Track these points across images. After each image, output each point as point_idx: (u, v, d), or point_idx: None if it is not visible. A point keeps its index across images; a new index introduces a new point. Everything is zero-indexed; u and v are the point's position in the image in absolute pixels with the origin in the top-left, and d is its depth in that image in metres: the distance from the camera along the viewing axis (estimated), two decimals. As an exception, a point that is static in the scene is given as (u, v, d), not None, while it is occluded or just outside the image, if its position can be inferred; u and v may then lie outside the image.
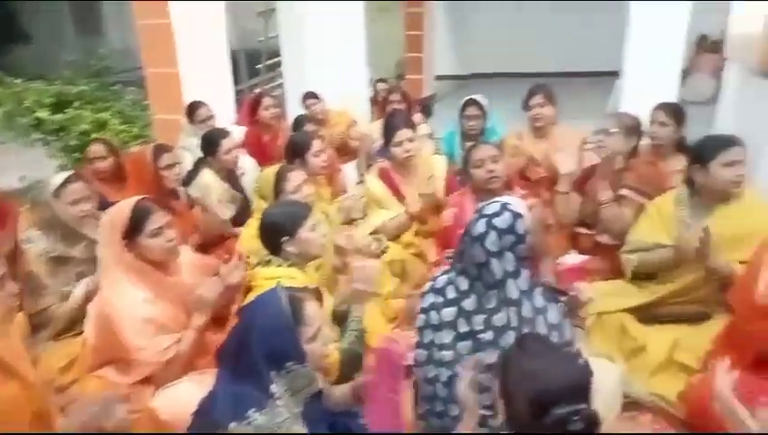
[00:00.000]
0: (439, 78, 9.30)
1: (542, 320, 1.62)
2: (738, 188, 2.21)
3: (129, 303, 1.91)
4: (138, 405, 1.83)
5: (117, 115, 5.23)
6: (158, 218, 2.00)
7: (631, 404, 2.15)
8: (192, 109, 3.80)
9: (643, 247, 2.38)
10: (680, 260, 2.24)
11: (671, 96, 4.14)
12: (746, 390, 1.76)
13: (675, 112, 2.96)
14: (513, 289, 1.62)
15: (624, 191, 2.68)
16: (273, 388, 1.46)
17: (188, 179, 3.19)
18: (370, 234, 3.08)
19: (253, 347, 1.46)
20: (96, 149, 3.06)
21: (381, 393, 1.64)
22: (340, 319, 2.22)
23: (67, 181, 2.36)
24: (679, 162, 2.81)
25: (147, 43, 3.97)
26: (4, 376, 1.49)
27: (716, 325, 2.14)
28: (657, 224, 2.38)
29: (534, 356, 1.24)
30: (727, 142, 2.22)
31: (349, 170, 4.28)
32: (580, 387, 1.18)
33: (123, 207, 2.01)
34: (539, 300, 1.65)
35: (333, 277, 2.65)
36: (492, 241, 1.62)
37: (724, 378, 1.23)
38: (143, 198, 2.07)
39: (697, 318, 2.27)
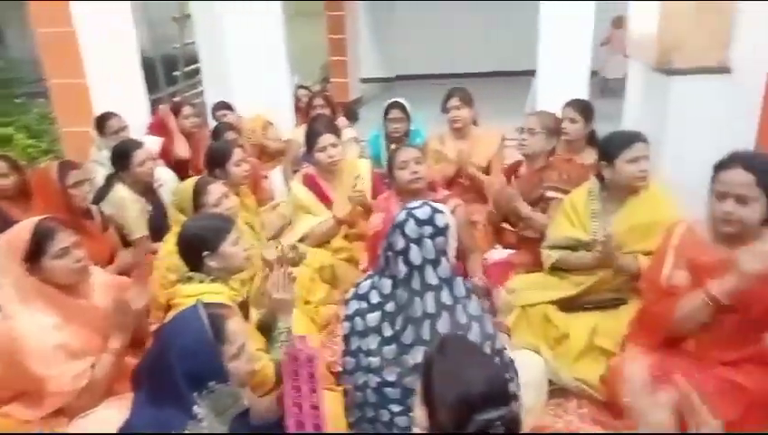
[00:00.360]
0: (365, 81, 9.35)
1: (461, 309, 1.64)
2: (643, 183, 2.32)
3: (36, 330, 1.78)
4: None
5: (23, 129, 4.91)
6: (63, 238, 1.88)
7: (558, 391, 2.23)
8: (102, 120, 3.60)
9: (563, 245, 2.46)
10: (597, 266, 2.35)
11: (583, 93, 4.35)
12: (659, 369, 1.88)
13: (583, 109, 3.10)
14: (431, 275, 1.64)
15: (548, 193, 2.78)
16: (196, 409, 1.40)
17: (101, 196, 3.01)
18: (299, 241, 3.04)
19: (172, 368, 1.39)
20: None
21: (297, 396, 1.61)
22: (268, 331, 2.18)
23: None
24: (590, 156, 2.95)
25: (49, 52, 3.74)
26: None
27: (631, 310, 2.25)
28: (573, 218, 2.47)
29: (455, 360, 1.24)
30: (630, 139, 2.33)
31: (275, 176, 4.21)
32: (500, 392, 1.20)
33: (23, 229, 1.87)
34: (460, 289, 1.67)
35: (260, 291, 2.60)
36: (411, 228, 1.65)
37: (635, 367, 1.29)
38: (46, 218, 1.93)
39: (614, 304, 2.39)
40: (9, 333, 1.79)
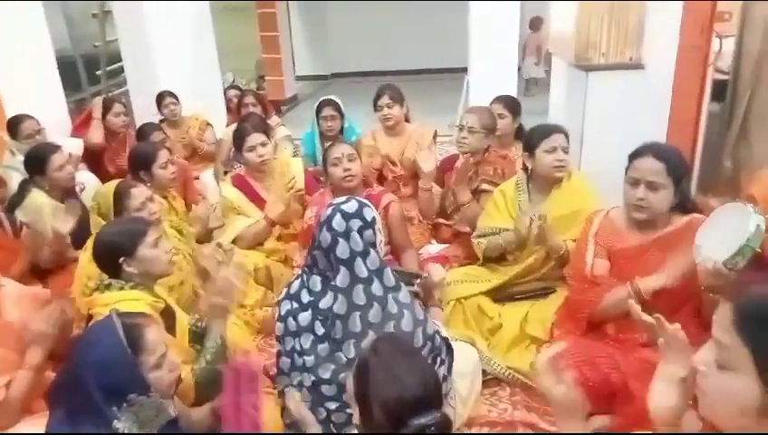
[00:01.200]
0: (300, 78, 9.24)
1: (392, 298, 1.65)
2: (561, 173, 2.42)
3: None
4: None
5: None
6: None
7: (492, 380, 2.29)
8: (15, 123, 3.37)
9: (490, 233, 2.54)
10: (520, 243, 2.42)
11: (512, 90, 4.47)
12: (583, 354, 1.96)
13: (511, 104, 3.20)
14: (361, 268, 1.64)
15: (483, 185, 2.85)
16: (116, 423, 1.34)
17: (15, 203, 2.83)
18: (231, 243, 2.97)
19: (87, 383, 1.32)
20: None
21: (238, 408, 1.57)
22: (199, 339, 2.11)
23: None
24: (519, 150, 3.05)
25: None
26: None
27: (559, 298, 2.35)
28: (502, 209, 2.56)
29: (388, 362, 1.24)
30: (548, 130, 2.44)
31: (207, 177, 4.10)
32: (433, 394, 1.21)
33: None
34: (389, 279, 1.68)
35: (193, 296, 2.52)
36: (338, 222, 1.65)
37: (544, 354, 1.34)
38: None
39: (544, 293, 2.48)
40: None
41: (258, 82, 6.52)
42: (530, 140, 2.47)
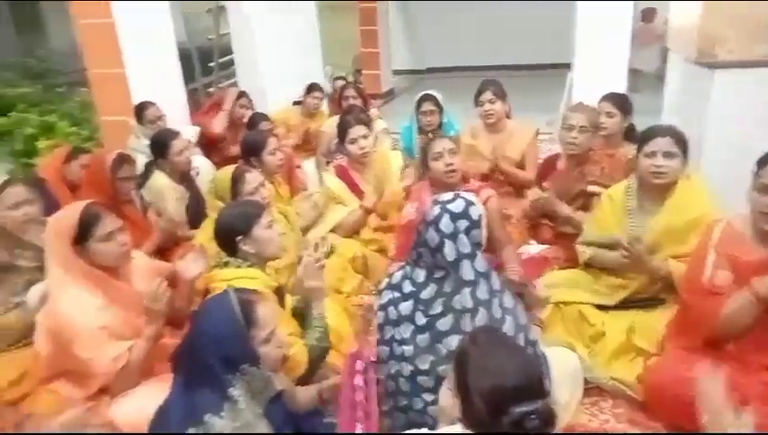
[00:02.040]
0: (397, 73, 9.32)
1: (497, 303, 1.63)
2: (658, 180, 2.24)
3: (82, 310, 1.84)
4: (99, 417, 1.76)
5: (65, 117, 5.04)
6: (108, 223, 1.93)
7: (593, 390, 2.20)
8: (141, 109, 3.68)
9: (596, 240, 2.42)
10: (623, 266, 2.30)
11: (620, 87, 4.26)
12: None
13: (621, 102, 3.04)
14: (468, 270, 1.63)
15: (590, 187, 2.74)
16: (232, 391, 1.43)
17: (140, 183, 3.08)
18: (330, 231, 3.07)
19: (205, 351, 1.44)
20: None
21: (354, 399, 1.64)
22: (302, 317, 2.20)
23: (5, 184, 2.24)
24: (629, 151, 2.89)
25: (89, 42, 3.83)
26: None
27: (670, 309, 2.21)
28: (609, 214, 2.43)
29: (488, 351, 1.24)
30: (651, 133, 2.28)
31: (309, 167, 4.25)
32: (535, 384, 1.19)
33: (71, 212, 1.93)
34: (495, 283, 1.66)
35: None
36: (445, 223, 1.64)
37: (709, 381, 1.26)
38: (92, 203, 1.99)
39: (652, 303, 2.34)
40: (56, 312, 1.86)
41: (355, 76, 6.64)
42: (638, 142, 2.35)
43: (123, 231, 1.98)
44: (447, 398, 1.49)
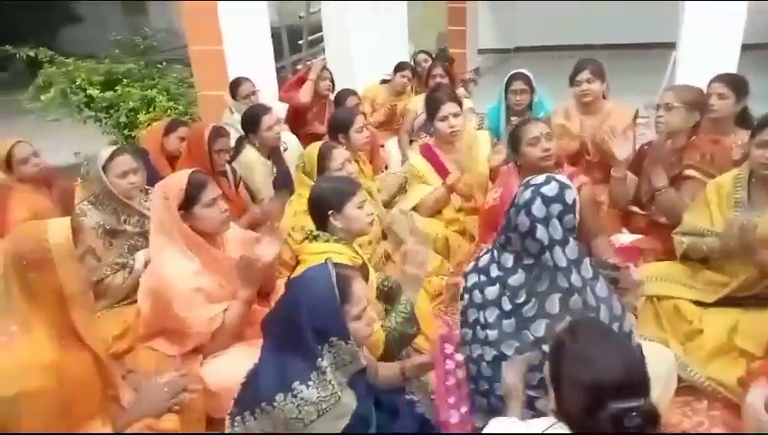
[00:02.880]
0: (482, 51, 9.09)
1: (590, 291, 1.57)
2: (767, 171, 2.05)
3: (181, 273, 1.95)
4: (191, 377, 1.87)
5: (163, 93, 5.33)
6: (212, 189, 2.05)
7: (686, 389, 2.07)
8: (236, 85, 3.82)
9: (696, 231, 2.26)
10: (726, 253, 2.12)
11: (732, 68, 3.91)
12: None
13: (735, 84, 2.78)
14: (560, 256, 1.57)
15: (687, 171, 2.56)
16: (320, 361, 1.46)
17: (232, 157, 3.21)
18: (412, 210, 3.06)
19: (300, 319, 1.46)
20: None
21: (448, 385, 1.64)
22: (385, 297, 2.22)
23: (114, 154, 2.41)
24: (740, 138, 2.66)
25: (191, 21, 4.02)
26: (81, 347, 1.55)
27: (780, 310, 2.04)
28: (714, 206, 2.25)
29: (589, 344, 1.19)
30: (766, 121, 2.09)
31: (391, 146, 4.25)
32: (638, 380, 1.13)
33: (180, 178, 2.05)
34: (588, 271, 1.59)
35: (382, 260, 2.65)
36: (538, 207, 1.58)
37: (759, 392, 1.16)
38: (196, 171, 2.10)
39: (760, 302, 2.15)
40: (157, 274, 1.99)
41: (441, 55, 6.51)
42: (754, 129, 2.15)
43: (222, 199, 2.09)
44: (514, 378, 1.49)
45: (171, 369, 1.86)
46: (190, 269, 1.97)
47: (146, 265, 2.25)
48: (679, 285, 2.30)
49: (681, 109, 2.56)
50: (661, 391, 1.88)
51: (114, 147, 2.55)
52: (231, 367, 1.84)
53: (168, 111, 5.09)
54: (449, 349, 1.71)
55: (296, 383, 1.44)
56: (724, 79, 2.84)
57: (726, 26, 4.20)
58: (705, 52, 4.20)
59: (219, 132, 2.90)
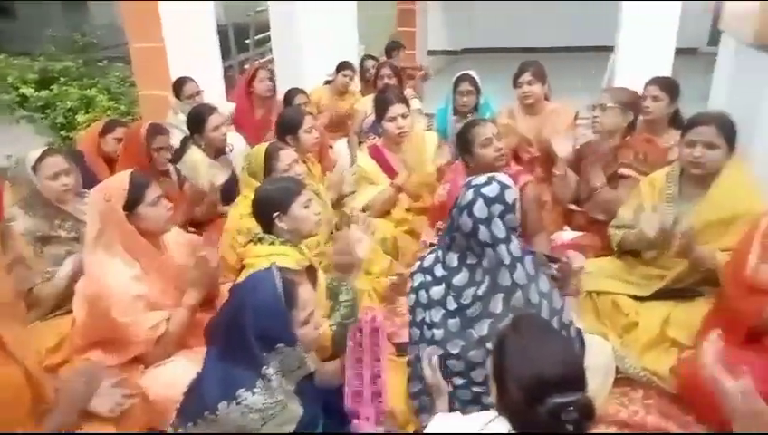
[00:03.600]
0: (431, 53, 9.17)
1: (533, 287, 1.61)
2: (697, 170, 2.17)
3: (118, 279, 1.88)
4: (130, 387, 1.81)
5: (103, 92, 5.13)
6: (155, 188, 2.00)
7: (623, 380, 2.16)
8: (179, 84, 3.71)
9: (628, 224, 2.36)
10: (654, 246, 2.22)
11: (666, 71, 4.10)
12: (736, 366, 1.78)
13: (668, 86, 2.92)
14: (505, 254, 1.60)
15: (622, 170, 2.66)
16: (266, 369, 1.44)
17: (176, 157, 3.13)
18: (361, 211, 3.06)
19: (246, 326, 1.43)
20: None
21: (359, 366, 1.64)
22: (334, 295, 2.21)
23: (45, 154, 2.29)
24: (673, 137, 2.79)
25: (131, 17, 3.88)
26: (7, 361, 1.46)
27: (708, 302, 2.15)
28: (648, 200, 2.35)
29: (530, 340, 1.22)
30: (694, 121, 2.21)
31: (340, 146, 4.24)
32: (575, 375, 1.17)
33: (121, 179, 1.98)
34: (530, 267, 1.64)
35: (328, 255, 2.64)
36: (479, 208, 1.61)
37: (710, 350, 1.22)
38: (136, 170, 2.04)
39: (690, 295, 2.27)
40: (94, 280, 1.91)
41: (397, 53, 6.50)
42: (683, 129, 2.27)
43: (164, 198, 2.04)
44: (430, 374, 1.53)
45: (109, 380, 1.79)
46: (130, 275, 1.90)
47: (75, 272, 2.16)
48: (617, 281, 2.40)
49: (615, 109, 2.67)
50: (600, 383, 1.97)
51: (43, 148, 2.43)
52: (174, 376, 1.79)
53: (109, 110, 4.91)
54: (367, 326, 1.70)
55: (241, 391, 1.41)
56: (659, 82, 2.97)
57: (661, 31, 4.40)
58: (642, 55, 4.39)
59: (157, 130, 2.82)
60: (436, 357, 1.64)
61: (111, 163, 2.99)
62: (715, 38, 3.51)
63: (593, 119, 2.72)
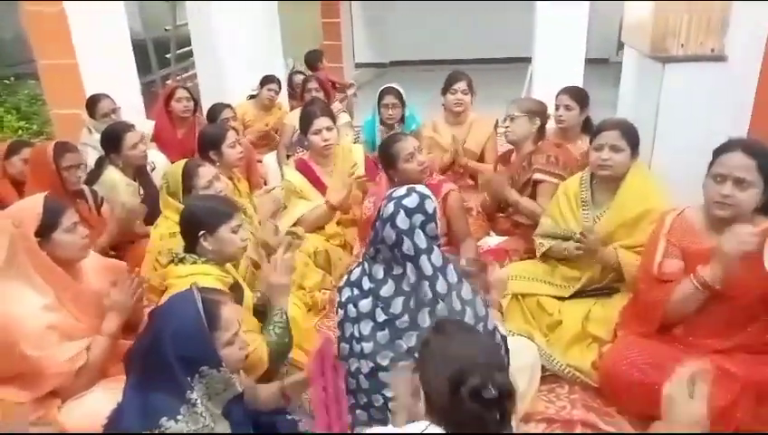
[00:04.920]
0: (359, 66, 9.27)
1: (455, 296, 1.64)
2: (604, 172, 2.31)
3: (28, 310, 1.77)
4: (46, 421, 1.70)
5: (11, 111, 4.83)
6: (71, 214, 1.91)
7: (550, 377, 2.24)
8: (93, 102, 3.54)
9: (553, 235, 2.47)
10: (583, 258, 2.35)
11: (578, 81, 4.34)
12: (651, 356, 1.89)
13: (578, 96, 3.09)
14: (427, 265, 1.63)
15: (536, 175, 2.78)
16: (190, 393, 1.39)
17: (92, 178, 2.98)
18: (292, 226, 3.03)
19: (166, 351, 1.38)
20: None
21: (324, 393, 1.62)
22: (262, 313, 2.17)
23: None
24: (586, 144, 2.95)
25: (38, 32, 3.67)
26: None
27: (624, 298, 2.28)
28: (564, 206, 2.48)
29: (451, 337, 1.24)
30: (600, 127, 2.36)
31: (269, 161, 4.18)
32: (494, 361, 1.20)
33: (34, 203, 1.87)
34: (452, 276, 1.67)
35: (249, 271, 2.59)
36: (401, 219, 1.63)
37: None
38: (49, 195, 1.93)
39: (607, 292, 2.40)
40: (2, 314, 1.78)
41: (311, 57, 6.48)
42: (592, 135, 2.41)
43: (81, 223, 1.95)
44: (397, 386, 1.48)
45: (22, 418, 1.68)
46: (41, 304, 1.78)
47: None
48: (540, 283, 2.49)
49: (523, 117, 2.79)
50: (527, 382, 2.03)
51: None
52: (93, 409, 1.70)
53: (20, 130, 4.62)
54: (328, 362, 1.70)
55: (164, 420, 1.35)
56: (569, 92, 3.14)
57: (571, 43, 4.67)
58: (556, 66, 4.64)
59: (65, 148, 2.68)
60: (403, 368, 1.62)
61: (20, 186, 2.81)
62: (621, 48, 3.74)
63: (505, 129, 2.84)
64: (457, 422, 1.17)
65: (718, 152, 1.86)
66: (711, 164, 1.87)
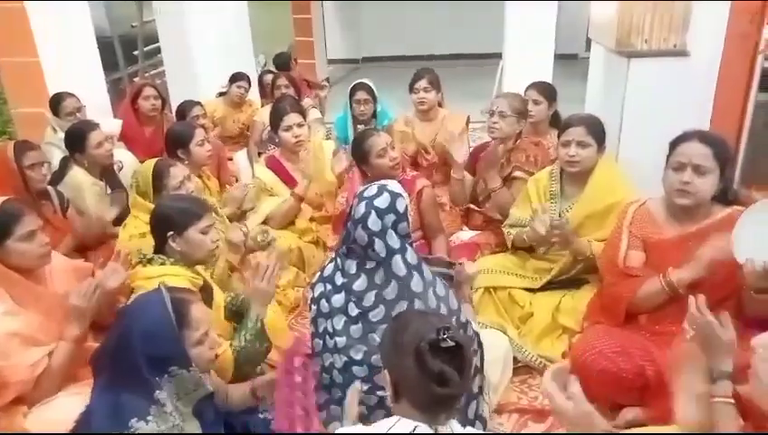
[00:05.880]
0: (332, 62, 9.22)
1: (431, 292, 1.66)
2: (572, 168, 2.35)
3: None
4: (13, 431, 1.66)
5: (-29, 110, 4.67)
6: (29, 221, 1.82)
7: (523, 368, 2.28)
8: (56, 100, 3.45)
9: (519, 224, 2.50)
10: (543, 242, 2.38)
11: (547, 76, 4.40)
12: (618, 346, 1.94)
13: (545, 91, 3.13)
14: (400, 265, 1.64)
15: (516, 173, 2.81)
16: (158, 394, 1.38)
17: (56, 179, 2.91)
18: (263, 223, 3.01)
19: (134, 351, 1.37)
20: None
21: (291, 394, 1.61)
22: (234, 316, 2.15)
23: None
24: (555, 138, 2.99)
25: (-3, 28, 3.56)
26: None
27: (592, 289, 2.33)
28: (534, 199, 2.52)
29: (411, 317, 1.28)
30: (567, 123, 2.40)
31: (240, 158, 4.14)
32: (448, 322, 1.24)
33: None
34: (428, 273, 1.68)
35: (226, 273, 2.57)
36: (373, 221, 1.63)
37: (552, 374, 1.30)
38: (10, 199, 1.86)
39: (577, 284, 2.45)
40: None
41: (279, 59, 6.43)
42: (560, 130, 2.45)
43: (43, 231, 1.87)
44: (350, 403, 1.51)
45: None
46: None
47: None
48: (512, 276, 2.53)
49: (513, 117, 2.82)
50: (500, 374, 2.06)
51: None
52: (63, 413, 1.65)
53: (-21, 131, 4.48)
54: (297, 362, 1.70)
55: (133, 421, 1.34)
56: (537, 87, 3.18)
57: (540, 39, 4.72)
58: (525, 61, 4.69)
59: (27, 146, 2.59)
60: (358, 384, 1.64)
61: (-19, 189, 2.72)
62: (589, 44, 3.80)
63: (492, 124, 2.83)
64: (426, 403, 1.19)
65: (676, 143, 1.91)
66: (669, 155, 1.91)
